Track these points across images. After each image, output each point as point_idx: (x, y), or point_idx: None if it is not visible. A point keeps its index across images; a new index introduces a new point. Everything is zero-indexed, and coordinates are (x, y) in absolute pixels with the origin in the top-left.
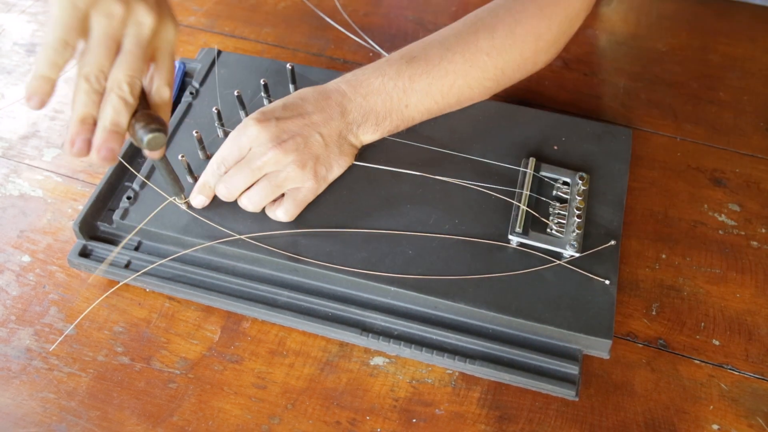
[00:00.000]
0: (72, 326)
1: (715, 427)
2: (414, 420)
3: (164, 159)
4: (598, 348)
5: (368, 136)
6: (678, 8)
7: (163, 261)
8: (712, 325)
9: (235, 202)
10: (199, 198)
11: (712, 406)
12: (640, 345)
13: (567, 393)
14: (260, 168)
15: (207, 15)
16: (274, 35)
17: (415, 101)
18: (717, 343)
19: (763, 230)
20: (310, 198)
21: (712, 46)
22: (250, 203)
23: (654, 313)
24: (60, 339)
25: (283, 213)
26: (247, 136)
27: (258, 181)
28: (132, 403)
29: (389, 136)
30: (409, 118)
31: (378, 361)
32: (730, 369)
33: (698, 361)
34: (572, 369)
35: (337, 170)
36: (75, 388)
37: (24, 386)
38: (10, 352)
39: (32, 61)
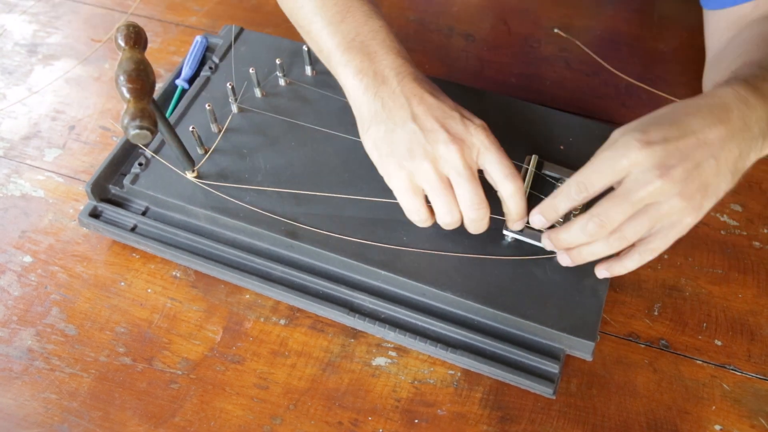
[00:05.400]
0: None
1: (718, 427)
2: (416, 420)
3: (175, 136)
4: (581, 349)
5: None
6: (679, 8)
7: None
8: (714, 326)
9: (242, 175)
10: (538, 218)
11: (714, 407)
12: (642, 345)
13: (545, 391)
14: (642, 200)
15: (208, 15)
16: (275, 35)
17: None
18: (719, 343)
19: (766, 230)
20: (683, 234)
21: None
22: (619, 241)
23: (656, 313)
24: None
25: (649, 254)
26: (629, 159)
27: (632, 215)
28: (134, 404)
29: None
30: None
31: (380, 361)
32: (732, 369)
33: (700, 362)
34: (552, 368)
35: (714, 200)
36: (77, 388)
37: (26, 387)
38: (12, 352)
39: (34, 61)
